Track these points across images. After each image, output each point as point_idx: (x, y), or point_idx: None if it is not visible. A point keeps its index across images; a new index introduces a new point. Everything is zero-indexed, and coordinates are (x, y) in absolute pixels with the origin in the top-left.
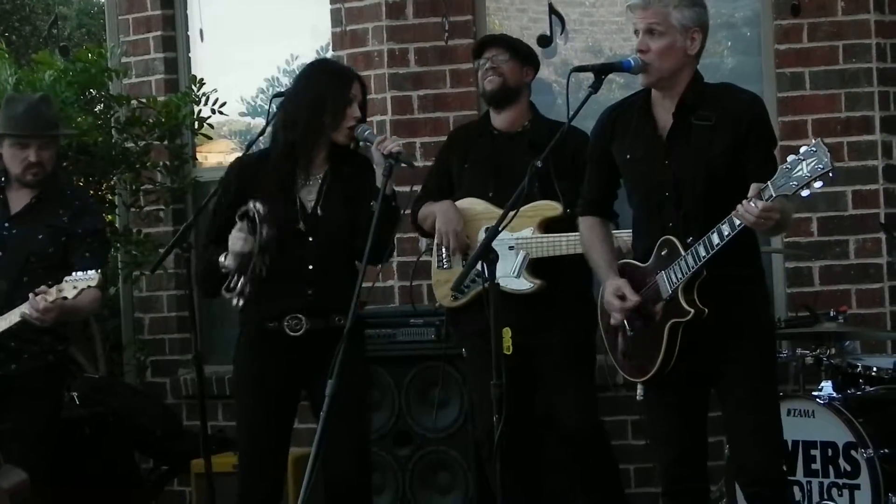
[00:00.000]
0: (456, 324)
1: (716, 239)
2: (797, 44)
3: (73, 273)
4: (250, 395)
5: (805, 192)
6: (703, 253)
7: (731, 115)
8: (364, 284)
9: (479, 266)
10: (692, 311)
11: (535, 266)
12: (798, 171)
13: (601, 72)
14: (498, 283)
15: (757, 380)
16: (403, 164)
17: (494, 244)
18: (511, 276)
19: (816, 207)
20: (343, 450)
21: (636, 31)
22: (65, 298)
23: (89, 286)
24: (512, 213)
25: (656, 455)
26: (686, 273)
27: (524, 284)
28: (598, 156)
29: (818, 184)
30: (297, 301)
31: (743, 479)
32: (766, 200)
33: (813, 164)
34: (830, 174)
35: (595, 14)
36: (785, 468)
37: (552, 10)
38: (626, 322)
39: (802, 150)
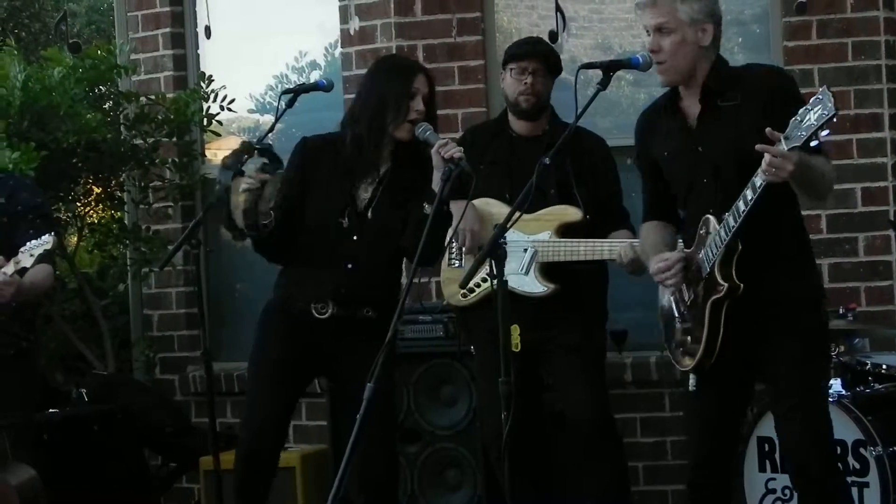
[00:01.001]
0: (464, 323)
1: (741, 205)
2: (806, 41)
3: (27, 243)
4: (259, 365)
5: (814, 143)
6: (732, 223)
7: (754, 90)
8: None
9: (488, 266)
10: (726, 285)
11: (549, 270)
12: (807, 122)
13: (610, 69)
14: (506, 281)
15: (799, 365)
16: (465, 171)
17: (510, 247)
18: (520, 274)
19: (825, 204)
20: (375, 450)
21: (647, 31)
22: (23, 269)
23: (45, 250)
24: (521, 211)
25: (688, 446)
26: (720, 246)
27: (538, 287)
28: (643, 164)
29: (824, 132)
30: (327, 293)
31: (790, 467)
32: None
33: (819, 111)
34: (834, 119)
35: (604, 11)
36: (833, 457)
37: (557, 7)
38: (673, 308)
39: (811, 100)
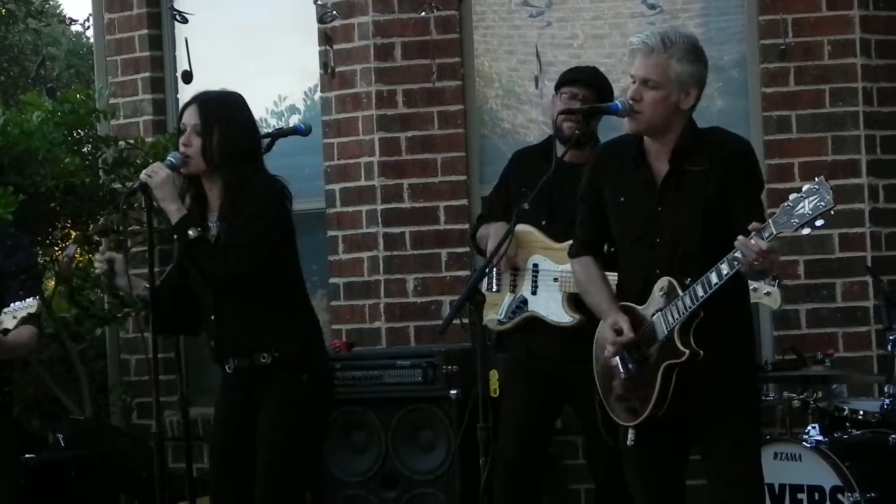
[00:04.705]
0: (499, 346)
1: (714, 278)
2: (784, 87)
3: (11, 304)
4: (214, 430)
5: (806, 231)
6: (700, 293)
7: (720, 157)
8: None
9: (525, 294)
10: (687, 352)
11: (578, 300)
12: (800, 209)
13: (589, 114)
14: (486, 326)
15: (740, 434)
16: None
17: (541, 276)
18: (549, 304)
19: (803, 250)
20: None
21: (633, 77)
22: (5, 330)
23: (29, 314)
24: (503, 250)
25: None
26: (683, 313)
27: (565, 318)
28: (592, 197)
29: (819, 222)
30: (215, 348)
31: None
32: (767, 239)
33: (815, 201)
34: (832, 212)
35: (583, 55)
36: None
37: (537, 53)
38: (619, 363)
39: (805, 188)
